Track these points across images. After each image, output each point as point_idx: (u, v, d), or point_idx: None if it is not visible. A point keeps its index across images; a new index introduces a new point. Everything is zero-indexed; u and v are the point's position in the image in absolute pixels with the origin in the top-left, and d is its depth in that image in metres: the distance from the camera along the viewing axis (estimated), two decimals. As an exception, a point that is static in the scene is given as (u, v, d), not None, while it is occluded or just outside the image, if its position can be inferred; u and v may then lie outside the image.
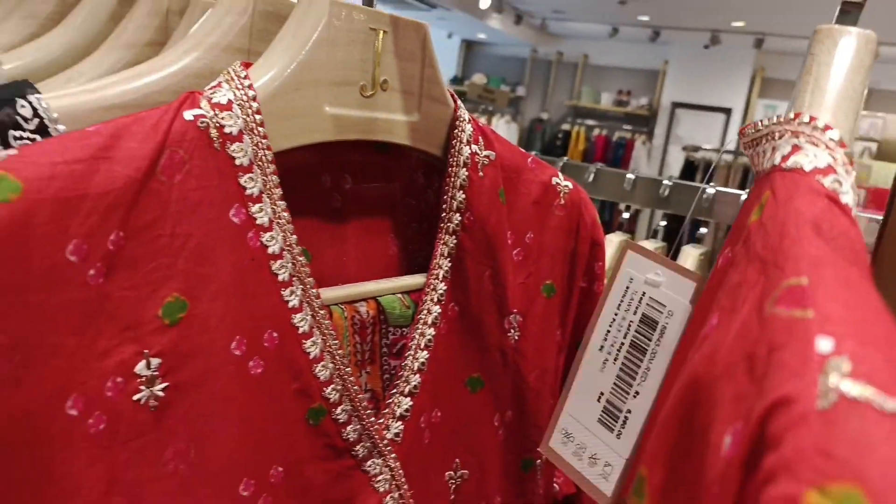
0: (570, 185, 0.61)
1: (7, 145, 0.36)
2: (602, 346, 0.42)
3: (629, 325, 0.40)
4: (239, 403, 0.40)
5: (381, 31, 0.46)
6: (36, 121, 0.37)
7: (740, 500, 0.16)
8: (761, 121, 0.30)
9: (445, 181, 0.51)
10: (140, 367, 0.36)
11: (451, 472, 0.55)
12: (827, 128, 0.26)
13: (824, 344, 0.16)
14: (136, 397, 0.36)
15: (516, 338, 0.57)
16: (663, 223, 1.17)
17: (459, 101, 0.53)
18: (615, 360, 0.40)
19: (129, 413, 0.36)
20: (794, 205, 0.23)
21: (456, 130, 0.52)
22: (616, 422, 0.39)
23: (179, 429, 0.38)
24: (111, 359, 0.35)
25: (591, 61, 6.84)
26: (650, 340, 0.38)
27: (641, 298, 0.40)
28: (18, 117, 0.36)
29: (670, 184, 1.09)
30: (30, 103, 0.37)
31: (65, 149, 0.33)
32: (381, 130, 0.48)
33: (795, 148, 0.26)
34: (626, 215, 1.22)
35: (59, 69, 0.49)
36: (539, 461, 0.61)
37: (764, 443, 0.16)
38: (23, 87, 0.38)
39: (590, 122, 6.51)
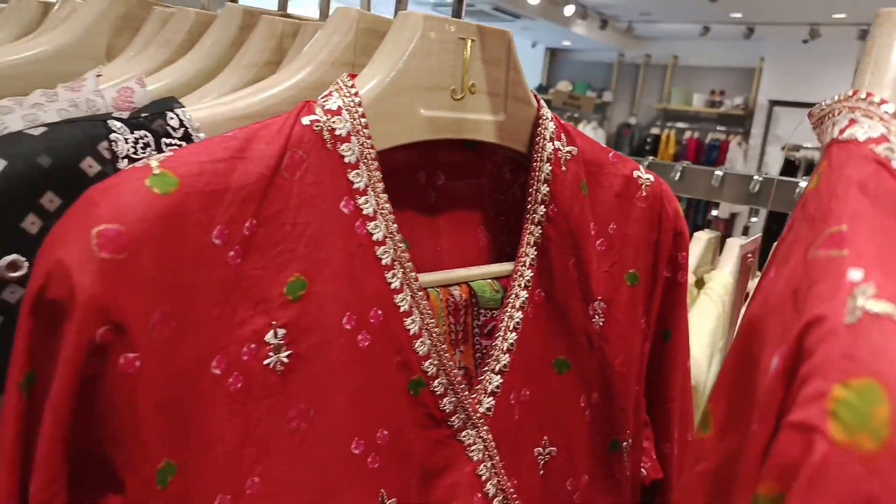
0: (652, 178, 0.63)
1: (160, 150, 0.43)
2: None
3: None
4: (350, 372, 0.45)
5: (470, 40, 0.51)
6: (182, 130, 0.44)
7: (782, 407, 0.19)
8: (824, 101, 0.32)
9: (530, 175, 0.55)
10: (269, 336, 0.42)
11: (540, 449, 0.58)
12: (882, 102, 0.28)
13: (855, 274, 0.19)
14: (265, 362, 0.42)
15: (601, 324, 0.60)
16: (754, 220, 1.15)
17: (542, 101, 0.57)
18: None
19: (261, 375, 0.42)
20: (846, 171, 0.25)
21: (539, 128, 0.56)
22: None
23: (301, 391, 0.43)
24: (246, 328, 0.41)
25: (681, 62, 6.67)
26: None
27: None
28: (168, 127, 0.43)
29: (760, 179, 1.08)
30: (177, 115, 0.44)
31: (210, 150, 0.39)
32: (470, 130, 0.53)
33: (852, 122, 0.28)
34: (714, 213, 1.21)
35: (192, 89, 0.56)
36: (626, 443, 0.63)
37: (801, 356, 0.19)
38: (170, 103, 0.45)
39: (680, 124, 6.34)
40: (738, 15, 5.20)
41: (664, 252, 0.64)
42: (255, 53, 0.56)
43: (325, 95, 0.46)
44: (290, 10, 0.65)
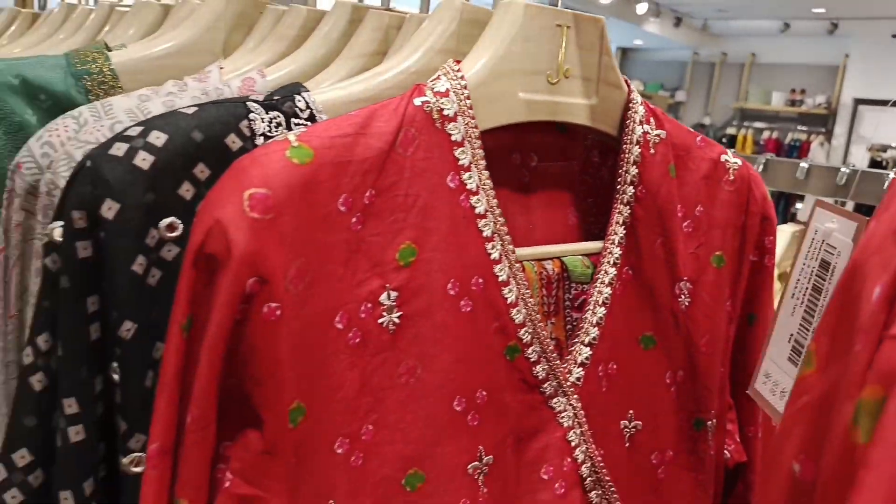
0: (739, 162, 0.65)
1: (290, 129, 0.48)
2: (793, 294, 0.47)
3: (812, 271, 0.45)
4: (453, 334, 0.49)
5: (565, 27, 0.54)
6: (308, 111, 0.49)
7: (885, 327, 0.21)
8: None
9: (620, 157, 0.58)
10: (383, 298, 0.46)
11: (626, 422, 0.60)
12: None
13: (953, 211, 0.21)
14: (380, 321, 0.46)
15: (687, 303, 0.62)
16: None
17: (633, 86, 0.59)
18: (801, 303, 0.45)
19: (375, 332, 0.46)
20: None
21: (629, 112, 0.58)
22: (800, 357, 0.44)
23: (409, 349, 0.47)
24: (364, 288, 0.45)
25: (758, 60, 6.46)
26: (825, 281, 0.42)
27: (821, 246, 0.44)
28: (297, 108, 0.48)
29: (847, 171, 1.06)
30: (304, 98, 0.49)
31: (338, 126, 0.44)
32: (564, 112, 0.56)
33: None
34: (799, 206, 1.19)
35: (307, 77, 0.62)
36: (710, 423, 0.65)
37: (902, 282, 0.21)
38: (297, 87, 0.50)
39: (758, 124, 6.15)
40: (821, 10, 5.00)
41: (751, 236, 0.65)
42: (365, 44, 0.61)
43: (435, 79, 0.50)
44: (392, 5, 0.69)
